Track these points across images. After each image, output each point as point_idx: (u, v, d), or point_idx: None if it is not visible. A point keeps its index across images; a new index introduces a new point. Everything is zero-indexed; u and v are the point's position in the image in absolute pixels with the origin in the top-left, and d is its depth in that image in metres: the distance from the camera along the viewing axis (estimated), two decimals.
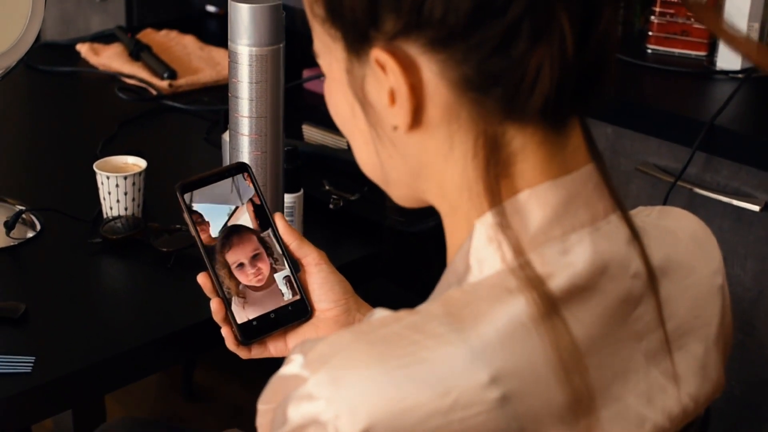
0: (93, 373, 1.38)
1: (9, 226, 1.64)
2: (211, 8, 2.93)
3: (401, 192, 0.94)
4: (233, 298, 1.22)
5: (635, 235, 0.89)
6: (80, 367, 1.37)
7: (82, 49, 2.50)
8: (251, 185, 1.26)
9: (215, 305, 1.23)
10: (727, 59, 2.13)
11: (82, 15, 3.16)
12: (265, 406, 0.90)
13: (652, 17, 2.23)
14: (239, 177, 1.26)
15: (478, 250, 0.86)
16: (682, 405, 0.93)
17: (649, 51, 2.24)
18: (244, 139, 1.52)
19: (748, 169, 1.85)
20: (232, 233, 1.24)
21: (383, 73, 0.84)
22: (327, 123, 2.03)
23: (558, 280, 0.84)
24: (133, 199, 1.66)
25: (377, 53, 0.84)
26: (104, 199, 1.67)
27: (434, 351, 0.80)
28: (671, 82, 2.12)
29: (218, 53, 2.50)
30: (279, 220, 1.25)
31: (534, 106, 0.82)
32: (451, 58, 0.82)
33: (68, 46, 2.56)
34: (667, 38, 2.22)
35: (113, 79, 2.37)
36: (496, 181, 0.85)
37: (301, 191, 1.67)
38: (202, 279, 1.24)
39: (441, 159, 0.87)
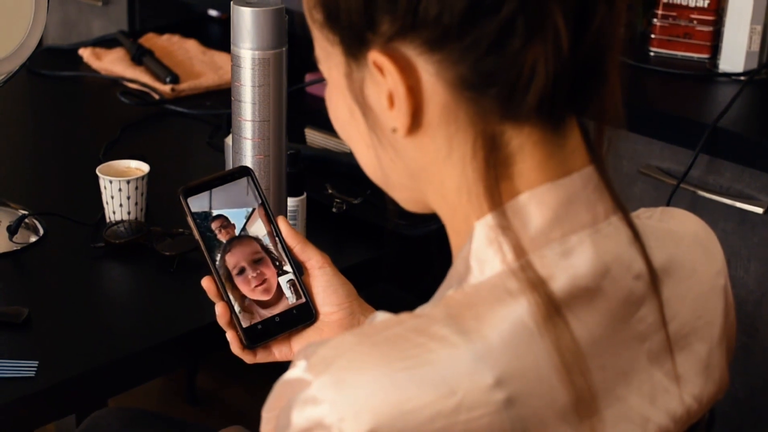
0: (96, 377, 1.38)
1: (12, 230, 1.64)
2: (213, 12, 2.93)
3: (404, 195, 0.94)
4: (236, 304, 1.22)
5: (637, 236, 0.89)
6: (83, 372, 1.37)
7: (85, 53, 2.50)
8: (255, 189, 1.26)
9: (220, 309, 1.23)
10: (730, 61, 2.13)
11: (84, 20, 3.16)
12: (269, 413, 0.90)
13: (655, 20, 2.23)
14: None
15: (479, 252, 0.86)
16: (685, 406, 0.93)
17: (652, 54, 2.24)
18: (246, 143, 1.52)
19: (751, 171, 1.85)
20: (234, 239, 1.24)
21: (381, 76, 0.85)
22: (330, 127, 2.00)
23: (559, 281, 0.84)
24: (136, 204, 1.66)
25: (374, 56, 0.84)
26: (107, 203, 1.67)
27: (438, 353, 0.80)
28: (674, 85, 2.12)
29: (220, 57, 2.50)
30: (282, 223, 1.25)
31: (530, 104, 0.83)
32: (448, 59, 0.83)
33: (70, 50, 2.56)
34: (670, 41, 2.22)
35: (115, 83, 2.37)
36: (496, 183, 0.85)
37: (304, 195, 1.67)
38: (206, 283, 1.23)
39: (440, 161, 0.87)
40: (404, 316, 0.84)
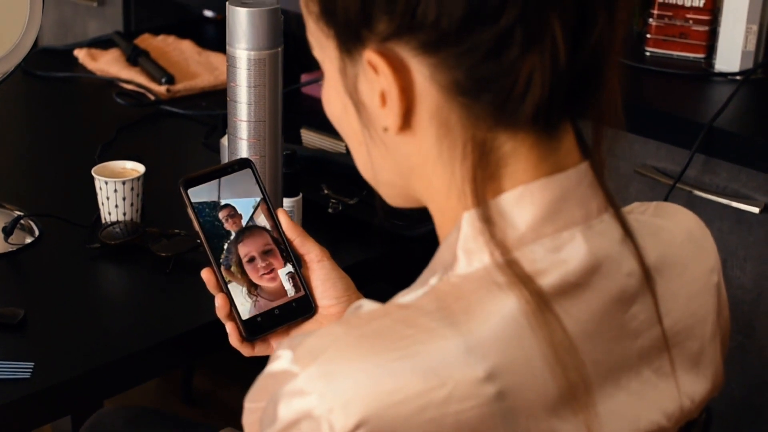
0: (92, 378, 1.38)
1: (7, 231, 1.64)
2: (208, 13, 2.92)
3: (392, 192, 0.95)
4: (237, 295, 1.22)
5: (629, 234, 0.89)
6: (79, 373, 1.37)
7: (80, 54, 2.50)
8: (256, 181, 1.26)
9: (220, 301, 1.22)
10: (726, 61, 2.13)
11: (80, 20, 3.16)
12: (252, 404, 0.90)
13: (650, 20, 2.23)
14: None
15: (466, 242, 0.86)
16: (679, 403, 0.93)
17: (648, 53, 2.24)
18: (242, 144, 1.52)
19: (747, 171, 1.85)
20: (246, 229, 1.23)
21: (375, 75, 0.85)
22: (325, 127, 2.03)
23: (550, 277, 0.84)
24: (132, 204, 1.66)
25: (369, 54, 0.84)
26: (103, 204, 1.66)
27: (427, 344, 0.80)
28: (670, 85, 2.12)
29: (216, 58, 2.50)
30: (282, 216, 1.25)
31: (525, 113, 0.83)
32: (443, 63, 0.83)
33: (66, 51, 2.55)
34: (666, 41, 2.22)
35: (111, 84, 2.37)
36: (483, 184, 0.85)
37: (300, 195, 1.67)
38: (206, 274, 1.23)
39: (430, 161, 0.87)
40: (391, 307, 0.84)
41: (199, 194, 1.24)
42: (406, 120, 0.86)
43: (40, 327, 1.45)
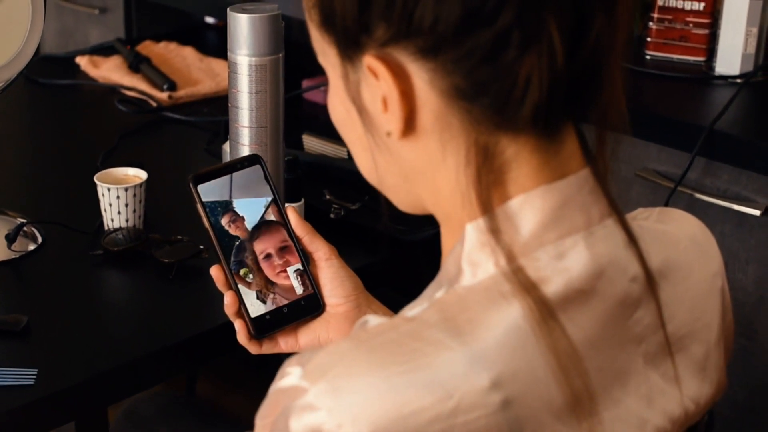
0: (96, 384, 1.38)
1: (10, 239, 1.64)
2: (210, 19, 2.93)
3: (399, 197, 0.95)
4: (246, 293, 1.22)
5: (631, 239, 0.89)
6: (83, 379, 1.37)
7: (82, 61, 2.50)
8: (266, 177, 1.25)
9: (229, 298, 1.22)
10: (726, 64, 2.13)
11: (81, 28, 3.16)
12: (263, 420, 0.90)
13: (651, 23, 2.23)
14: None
15: (471, 254, 0.86)
16: (683, 407, 0.93)
17: (648, 57, 2.24)
18: (244, 149, 1.52)
19: (748, 173, 1.85)
20: (262, 225, 1.23)
21: (375, 80, 0.85)
22: (327, 133, 2.03)
23: (554, 284, 0.84)
24: (134, 211, 1.66)
25: (369, 60, 0.85)
26: (105, 210, 1.67)
27: (434, 357, 0.80)
28: (670, 88, 2.12)
29: (217, 64, 2.50)
30: (291, 213, 1.25)
31: (525, 115, 0.83)
32: (441, 67, 0.83)
33: (68, 58, 2.56)
34: (666, 44, 2.22)
35: (113, 91, 2.38)
36: (488, 190, 0.85)
37: (302, 201, 1.67)
38: (215, 272, 1.23)
39: (434, 166, 0.88)
40: (398, 321, 0.84)
41: (209, 192, 1.23)
42: (409, 125, 0.86)
43: (44, 334, 1.45)
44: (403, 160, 0.90)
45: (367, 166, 0.94)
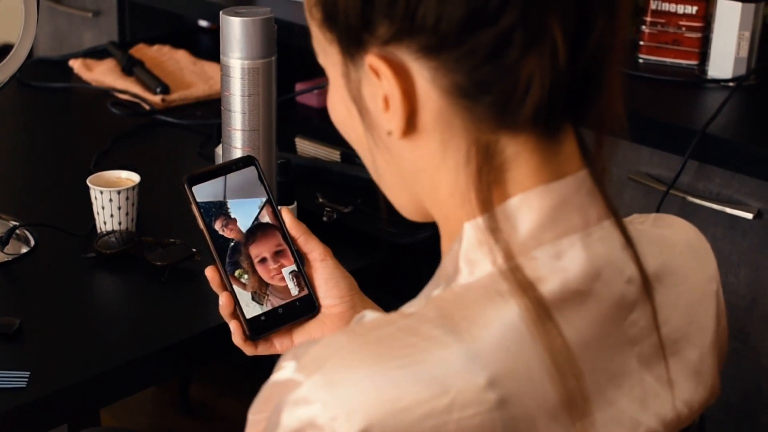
0: (88, 387, 1.38)
1: (3, 241, 1.64)
2: (203, 23, 2.93)
3: (399, 198, 0.94)
4: (242, 294, 1.22)
5: (629, 240, 0.89)
6: (75, 382, 1.37)
7: (75, 64, 2.50)
8: (260, 179, 1.25)
9: (224, 299, 1.22)
10: (719, 68, 2.13)
11: (75, 31, 3.16)
12: (256, 416, 0.89)
13: (644, 27, 2.23)
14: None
15: (468, 253, 0.86)
16: (676, 410, 0.93)
17: (641, 60, 2.24)
18: (237, 152, 1.52)
19: (740, 177, 1.85)
20: (258, 228, 1.23)
21: (377, 79, 0.85)
22: (320, 136, 2.03)
23: (550, 284, 0.84)
24: (127, 214, 1.66)
25: (371, 59, 0.85)
26: (98, 213, 1.67)
27: (430, 353, 0.80)
28: (663, 91, 2.13)
29: (211, 67, 2.50)
30: (286, 214, 1.25)
31: (526, 115, 0.83)
32: (444, 66, 0.83)
33: (61, 61, 2.56)
34: (659, 47, 2.23)
35: (106, 94, 2.38)
36: (488, 189, 0.85)
37: (295, 204, 1.67)
38: (210, 273, 1.23)
39: (435, 165, 0.88)
40: (394, 316, 0.84)
41: (204, 193, 1.23)
42: (410, 124, 0.87)
43: (36, 336, 1.45)
44: (404, 159, 0.90)
45: (368, 165, 0.94)
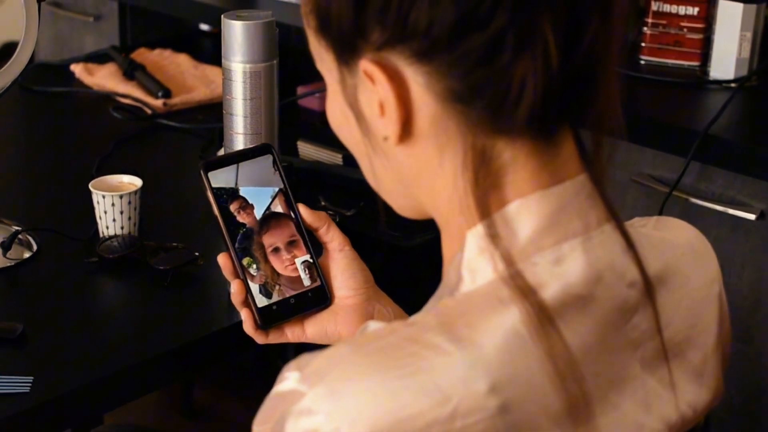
0: (91, 392, 1.38)
1: (5, 246, 1.64)
2: (204, 27, 2.93)
3: (398, 202, 0.95)
4: (252, 283, 1.21)
5: (630, 244, 0.89)
6: (78, 386, 1.37)
7: (76, 69, 2.50)
8: (277, 168, 1.25)
9: (236, 287, 1.21)
10: (720, 69, 2.14)
11: (76, 35, 3.16)
12: (260, 427, 0.89)
13: (645, 28, 2.23)
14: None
15: (470, 261, 0.86)
16: (680, 413, 0.93)
17: (643, 62, 2.24)
18: None
19: (743, 178, 1.85)
20: (271, 217, 1.23)
21: (372, 85, 0.85)
22: (322, 139, 2.03)
23: (551, 289, 0.84)
24: (129, 218, 1.66)
25: (365, 65, 0.85)
26: (100, 218, 1.67)
27: (432, 361, 0.80)
28: (665, 93, 2.13)
29: (212, 71, 2.50)
30: (302, 208, 1.24)
31: (520, 118, 0.83)
32: (437, 70, 0.83)
33: (62, 66, 2.56)
34: (660, 49, 2.23)
35: (108, 98, 2.37)
36: (486, 194, 0.85)
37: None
38: (222, 260, 1.22)
39: (432, 170, 0.88)
40: (397, 325, 0.84)
41: (218, 179, 1.23)
42: (406, 129, 0.87)
43: (39, 341, 1.45)
44: (401, 164, 0.90)
45: (366, 171, 0.94)
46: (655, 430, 0.91)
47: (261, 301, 1.21)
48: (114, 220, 1.66)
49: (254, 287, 1.21)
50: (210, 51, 2.79)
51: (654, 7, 2.21)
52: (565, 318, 0.84)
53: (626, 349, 0.89)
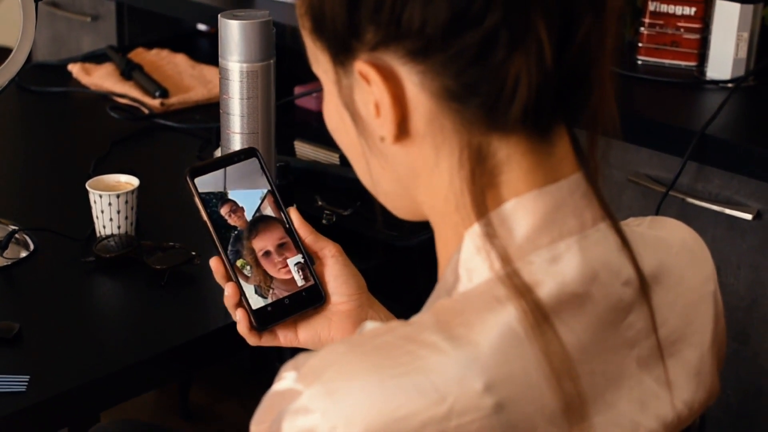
0: (88, 391, 1.38)
1: (2, 245, 1.64)
2: (202, 27, 2.93)
3: (394, 203, 0.95)
4: (246, 285, 1.21)
5: (625, 242, 0.89)
6: (75, 386, 1.37)
7: (74, 69, 2.50)
8: (263, 172, 1.25)
9: (230, 289, 1.21)
10: (717, 69, 2.14)
11: (74, 35, 3.16)
12: (258, 426, 0.89)
13: (642, 28, 2.23)
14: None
15: (467, 261, 0.87)
16: (676, 411, 0.93)
17: (640, 62, 2.24)
18: None
19: (739, 178, 1.85)
20: (260, 221, 1.23)
21: (367, 85, 0.85)
22: (319, 139, 2.03)
23: (547, 288, 0.84)
24: (126, 218, 1.66)
25: (360, 65, 0.85)
26: (97, 217, 1.67)
27: (428, 360, 0.80)
28: (662, 93, 2.13)
29: (209, 71, 2.50)
30: (294, 214, 1.24)
31: (515, 115, 0.83)
32: (431, 69, 0.83)
33: (60, 66, 2.56)
34: (657, 49, 2.23)
35: (105, 98, 2.38)
36: (482, 193, 0.85)
37: (294, 207, 1.67)
38: (214, 263, 1.22)
39: (428, 170, 0.88)
40: (394, 324, 0.85)
41: (205, 184, 1.23)
42: (402, 129, 0.87)
43: (36, 340, 1.45)
44: (398, 164, 0.90)
45: (362, 172, 0.95)
46: (650, 429, 0.91)
47: (256, 303, 1.21)
48: (111, 219, 1.66)
49: (249, 288, 1.21)
50: (207, 51, 2.79)
51: (651, 7, 2.21)
52: (561, 316, 0.84)
53: (622, 347, 0.90)
